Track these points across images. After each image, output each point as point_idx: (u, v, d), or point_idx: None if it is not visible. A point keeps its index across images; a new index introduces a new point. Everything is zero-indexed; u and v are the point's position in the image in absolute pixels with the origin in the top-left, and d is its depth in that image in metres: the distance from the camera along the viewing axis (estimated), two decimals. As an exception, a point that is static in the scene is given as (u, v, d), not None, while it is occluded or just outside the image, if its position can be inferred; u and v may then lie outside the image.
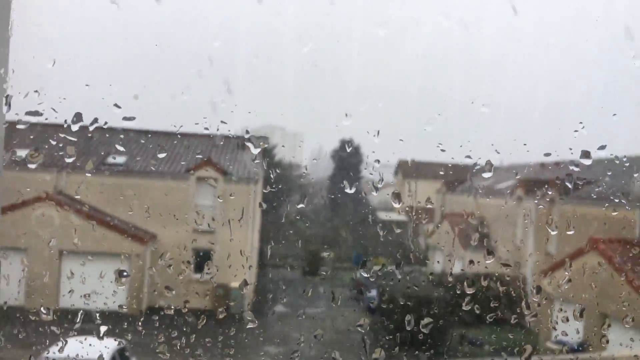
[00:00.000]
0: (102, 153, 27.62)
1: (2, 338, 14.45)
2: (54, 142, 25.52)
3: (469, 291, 24.20)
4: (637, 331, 16.22)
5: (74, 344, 13.51)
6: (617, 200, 20.42)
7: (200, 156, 28.11)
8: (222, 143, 30.16)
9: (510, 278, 26.60)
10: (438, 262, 36.07)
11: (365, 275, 34.84)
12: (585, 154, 7.07)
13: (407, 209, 50.14)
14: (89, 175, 26.23)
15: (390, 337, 22.20)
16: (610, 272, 17.51)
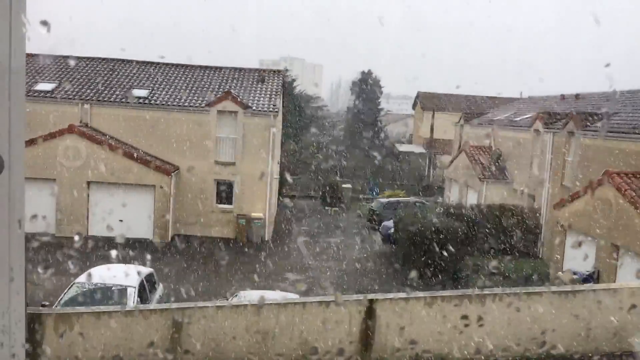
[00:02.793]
0: (126, 86, 27.97)
1: (35, 265, 15.43)
2: (79, 75, 26.45)
3: (483, 222, 25.06)
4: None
5: (103, 271, 14.35)
6: (635, 133, 20.42)
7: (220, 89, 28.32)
8: (242, 76, 30.26)
9: (525, 209, 27.12)
10: (454, 193, 36.51)
11: (382, 205, 35.53)
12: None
13: (425, 140, 50.28)
14: (114, 108, 26.71)
15: (403, 264, 23.02)
16: (624, 205, 17.75)
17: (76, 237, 23.47)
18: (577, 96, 30.55)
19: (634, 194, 17.58)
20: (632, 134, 20.64)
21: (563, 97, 32.21)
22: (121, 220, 24.23)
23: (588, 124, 23.70)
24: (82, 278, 13.81)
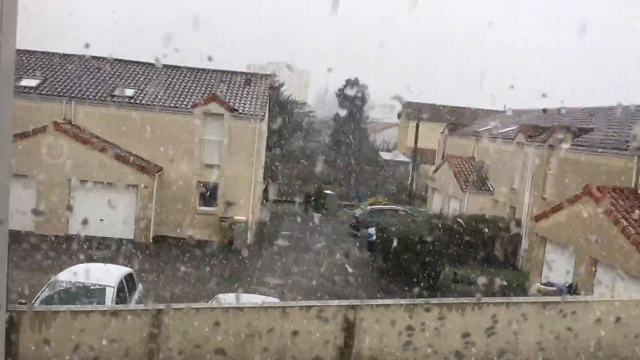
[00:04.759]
0: (111, 85, 27.78)
1: (12, 263, 15.21)
2: (64, 72, 26.22)
3: (465, 232, 25.19)
4: (626, 277, 16.93)
5: (82, 270, 14.18)
6: (616, 149, 20.73)
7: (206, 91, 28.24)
8: (229, 79, 30.24)
9: (506, 220, 27.35)
10: (436, 202, 36.74)
11: (365, 213, 35.67)
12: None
13: (409, 149, 50.51)
14: (98, 106, 26.50)
15: (384, 271, 23.09)
16: (603, 219, 17.99)
17: (55, 236, 23.23)
18: (559, 111, 30.96)
19: (613, 209, 17.84)
20: (612, 149, 20.96)
21: (545, 110, 32.63)
22: (102, 220, 24.00)
23: (569, 138, 24.02)
24: (60, 276, 13.64)
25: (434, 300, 9.52)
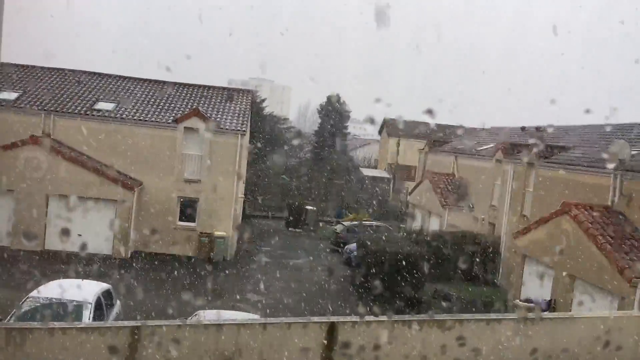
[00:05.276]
0: (92, 99, 27.53)
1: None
2: (44, 85, 26.00)
3: (445, 248, 25.26)
4: (603, 293, 17.12)
5: (59, 286, 13.94)
6: (593, 167, 21.05)
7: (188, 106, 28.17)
8: (210, 94, 30.21)
9: (486, 237, 27.54)
10: (417, 218, 36.89)
11: (346, 229, 35.65)
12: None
13: (390, 166, 50.75)
14: (78, 120, 26.24)
15: (365, 287, 23.06)
16: (581, 236, 18.21)
17: (32, 251, 22.83)
18: (537, 129, 31.38)
19: (590, 226, 18.08)
20: (589, 167, 21.28)
21: (523, 128, 33.07)
22: (80, 235, 23.69)
23: (547, 155, 24.36)
24: (35, 292, 13.37)
25: (414, 317, 9.54)
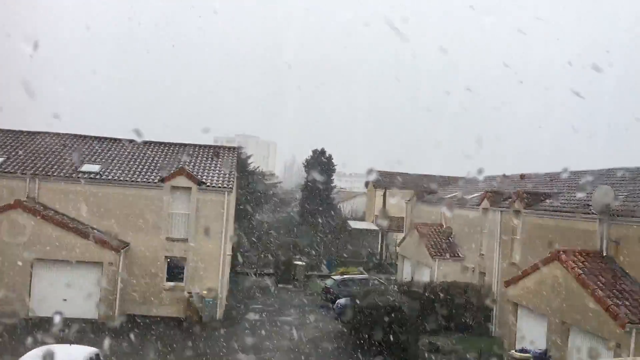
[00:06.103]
0: (78, 161, 27.45)
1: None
2: (29, 149, 25.98)
3: (436, 300, 25.16)
4: (598, 340, 16.94)
5: (47, 352, 13.64)
6: (579, 213, 21.19)
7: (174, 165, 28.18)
8: (196, 152, 30.31)
9: (477, 286, 27.35)
10: (406, 270, 36.65)
11: (336, 283, 35.22)
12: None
13: (377, 218, 50.73)
14: (63, 183, 26.09)
15: (359, 344, 22.64)
16: (572, 283, 18.13)
17: (16, 317, 22.27)
18: (521, 176, 31.73)
19: (581, 272, 18.03)
20: (575, 213, 21.42)
21: (505, 176, 33.46)
22: (65, 300, 23.20)
23: (533, 202, 24.52)
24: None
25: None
